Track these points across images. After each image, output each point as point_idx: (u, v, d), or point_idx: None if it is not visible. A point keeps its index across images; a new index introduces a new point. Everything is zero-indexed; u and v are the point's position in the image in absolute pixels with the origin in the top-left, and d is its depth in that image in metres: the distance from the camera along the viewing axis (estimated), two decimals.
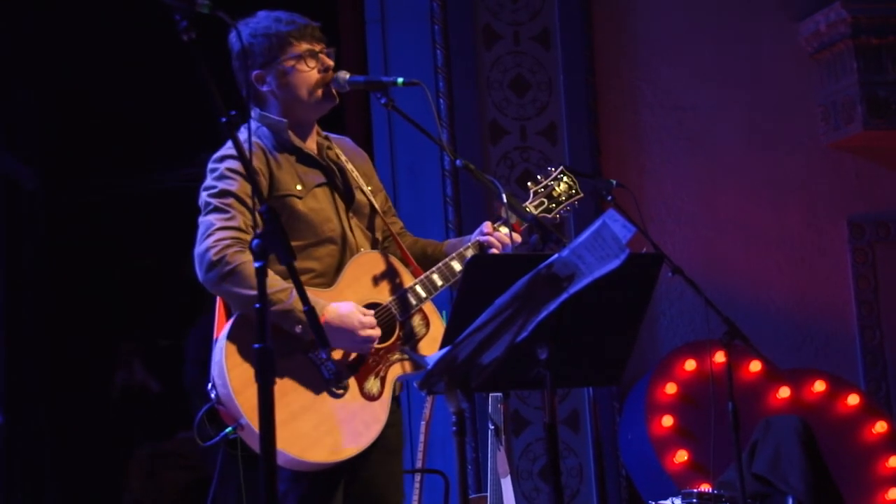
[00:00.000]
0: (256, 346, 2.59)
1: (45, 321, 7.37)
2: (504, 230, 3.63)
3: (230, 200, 3.40)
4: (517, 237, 3.63)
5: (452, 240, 3.81)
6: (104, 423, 8.28)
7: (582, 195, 3.84)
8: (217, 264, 3.32)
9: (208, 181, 3.48)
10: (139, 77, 7.61)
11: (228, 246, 3.34)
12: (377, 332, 3.42)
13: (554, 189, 3.81)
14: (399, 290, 3.55)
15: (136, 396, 8.55)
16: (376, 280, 3.54)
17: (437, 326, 3.57)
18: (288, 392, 3.31)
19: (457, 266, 3.57)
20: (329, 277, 3.49)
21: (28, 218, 7.33)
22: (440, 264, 3.58)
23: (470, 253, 3.60)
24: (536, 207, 3.76)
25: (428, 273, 3.57)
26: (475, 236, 3.66)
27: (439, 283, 3.55)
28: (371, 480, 3.51)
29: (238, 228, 3.37)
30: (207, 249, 3.34)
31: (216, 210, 3.40)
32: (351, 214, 3.63)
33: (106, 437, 8.24)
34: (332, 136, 3.77)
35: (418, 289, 3.55)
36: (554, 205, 3.79)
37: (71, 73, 7.54)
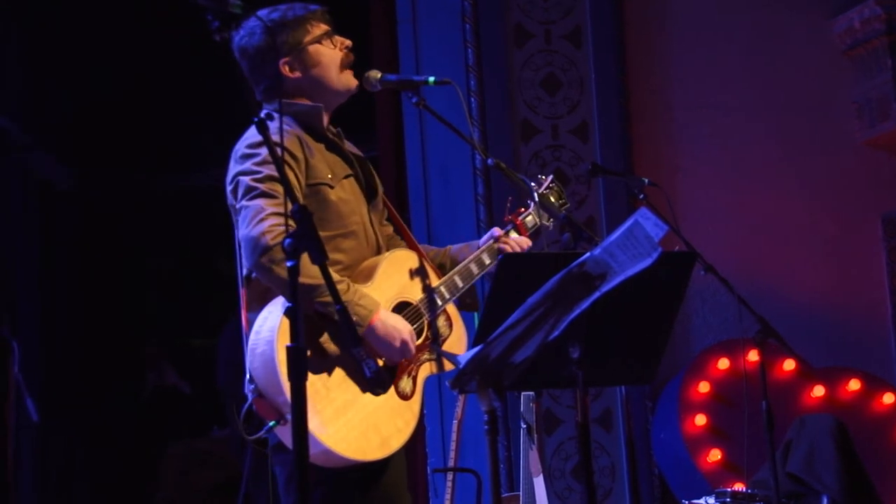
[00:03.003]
0: (290, 345, 2.60)
1: (79, 321, 7.42)
2: (514, 235, 3.72)
3: (278, 186, 3.36)
4: (528, 242, 3.71)
5: (455, 245, 3.82)
6: (137, 423, 8.34)
7: (569, 204, 3.93)
8: (273, 249, 3.26)
9: (247, 165, 3.41)
10: (172, 78, 7.65)
11: (285, 233, 3.31)
12: (415, 349, 3.44)
13: (549, 197, 3.90)
14: (426, 290, 3.56)
15: (168, 397, 8.59)
16: (407, 278, 3.56)
17: (460, 327, 3.61)
18: (333, 387, 3.31)
19: (475, 269, 3.62)
20: (354, 271, 3.49)
21: (62, 217, 7.38)
22: (460, 266, 3.62)
23: (486, 257, 3.65)
24: (555, 208, 3.83)
25: (450, 274, 3.60)
26: (484, 241, 3.70)
27: (460, 284, 3.60)
28: (388, 481, 3.52)
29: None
30: (263, 233, 3.28)
31: (264, 195, 3.34)
32: (371, 209, 3.63)
33: (139, 437, 8.29)
34: None
35: (443, 289, 3.57)
36: (549, 212, 3.85)
37: (105, 74, 7.59)
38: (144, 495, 8.21)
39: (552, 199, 3.90)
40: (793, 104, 6.50)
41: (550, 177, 3.94)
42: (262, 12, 3.56)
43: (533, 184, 3.89)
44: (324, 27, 3.59)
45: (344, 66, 3.60)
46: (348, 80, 3.61)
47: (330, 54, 3.58)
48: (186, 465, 8.18)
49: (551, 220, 3.85)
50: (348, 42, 3.62)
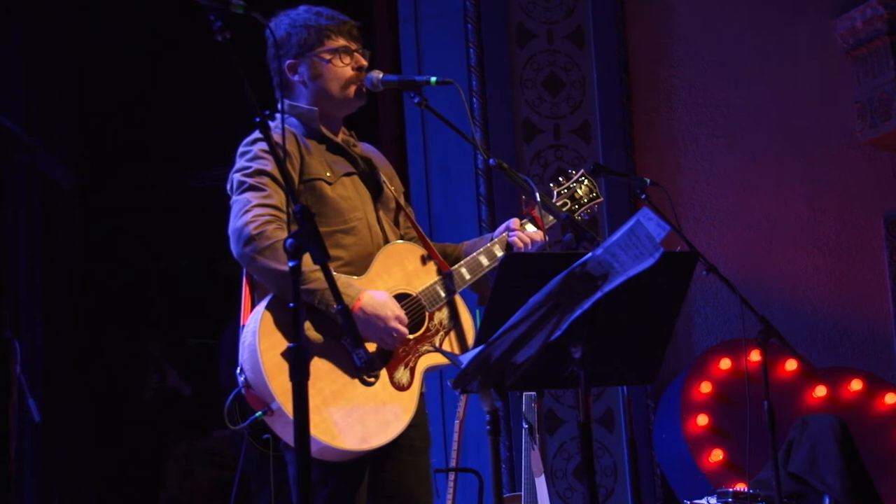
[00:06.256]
0: (291, 345, 2.60)
1: (82, 321, 7.42)
2: (530, 228, 3.67)
3: (265, 179, 3.42)
4: (540, 235, 3.66)
5: (471, 241, 3.81)
6: (140, 423, 8.34)
7: (601, 199, 3.89)
8: (256, 238, 3.32)
9: (241, 163, 3.49)
10: (175, 79, 7.66)
11: (268, 222, 3.35)
12: (406, 330, 3.42)
13: (576, 191, 3.86)
14: (429, 282, 3.56)
15: (169, 398, 8.60)
16: (406, 271, 3.55)
17: (466, 318, 3.59)
18: (320, 377, 3.30)
19: (484, 261, 3.60)
20: (357, 266, 3.49)
21: (65, 217, 7.38)
22: (469, 258, 3.61)
23: (497, 249, 3.62)
24: (560, 208, 3.79)
25: (457, 266, 3.59)
26: (499, 232, 3.67)
27: (467, 276, 3.58)
28: (399, 482, 3.50)
29: (275, 206, 3.39)
30: (246, 224, 3.34)
31: (252, 188, 3.41)
32: (379, 206, 3.64)
33: (142, 437, 8.29)
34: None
35: (448, 281, 3.56)
36: (576, 206, 3.84)
37: (107, 73, 7.60)
38: (148, 495, 8.22)
39: (582, 191, 3.86)
40: (795, 104, 6.51)
41: (581, 170, 3.90)
42: (293, 11, 3.60)
43: (561, 178, 3.87)
44: (341, 42, 3.59)
45: (350, 83, 3.60)
46: (348, 97, 3.61)
47: (335, 70, 3.59)
48: (189, 465, 8.19)
49: (579, 211, 3.82)
50: (364, 62, 3.62)
